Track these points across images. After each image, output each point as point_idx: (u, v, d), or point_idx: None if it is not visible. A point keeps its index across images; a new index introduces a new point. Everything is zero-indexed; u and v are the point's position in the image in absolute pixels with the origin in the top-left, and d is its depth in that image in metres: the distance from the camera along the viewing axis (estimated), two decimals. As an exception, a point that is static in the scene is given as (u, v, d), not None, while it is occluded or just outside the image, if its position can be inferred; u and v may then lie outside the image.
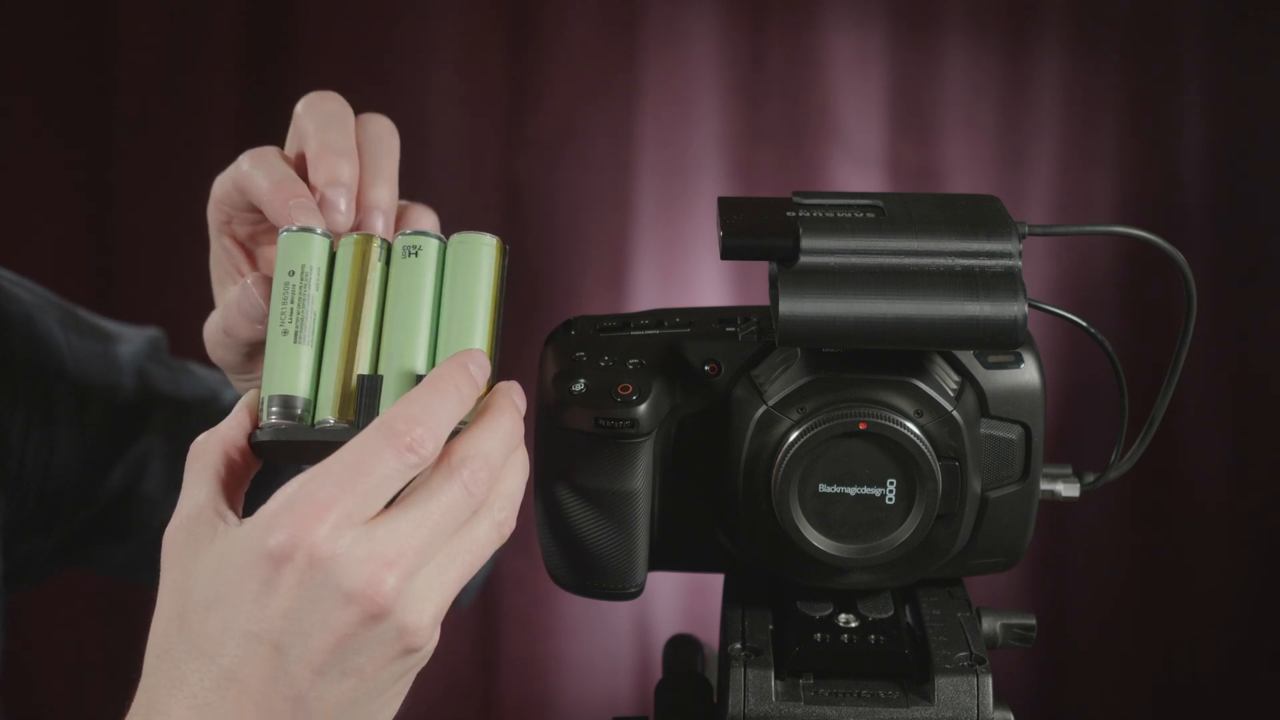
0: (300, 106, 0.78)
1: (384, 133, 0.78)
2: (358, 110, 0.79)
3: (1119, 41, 1.80)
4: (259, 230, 0.81)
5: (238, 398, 1.03)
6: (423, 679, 0.67)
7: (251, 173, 0.76)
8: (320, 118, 0.77)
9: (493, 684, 1.88)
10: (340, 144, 0.76)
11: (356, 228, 0.75)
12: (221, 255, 0.81)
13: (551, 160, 1.81)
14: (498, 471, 0.66)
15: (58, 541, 1.01)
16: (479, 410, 0.67)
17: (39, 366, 0.96)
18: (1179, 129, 1.80)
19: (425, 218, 0.80)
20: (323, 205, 0.74)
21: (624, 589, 0.77)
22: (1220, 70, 1.79)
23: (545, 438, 0.75)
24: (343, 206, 0.74)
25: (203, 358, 1.09)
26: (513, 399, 0.68)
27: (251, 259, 0.82)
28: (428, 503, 0.63)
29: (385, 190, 0.76)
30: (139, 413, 1.02)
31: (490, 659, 1.88)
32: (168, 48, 1.80)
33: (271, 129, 0.91)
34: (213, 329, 0.81)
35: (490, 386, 0.68)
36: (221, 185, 0.78)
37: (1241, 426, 1.84)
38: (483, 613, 1.87)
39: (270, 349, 0.70)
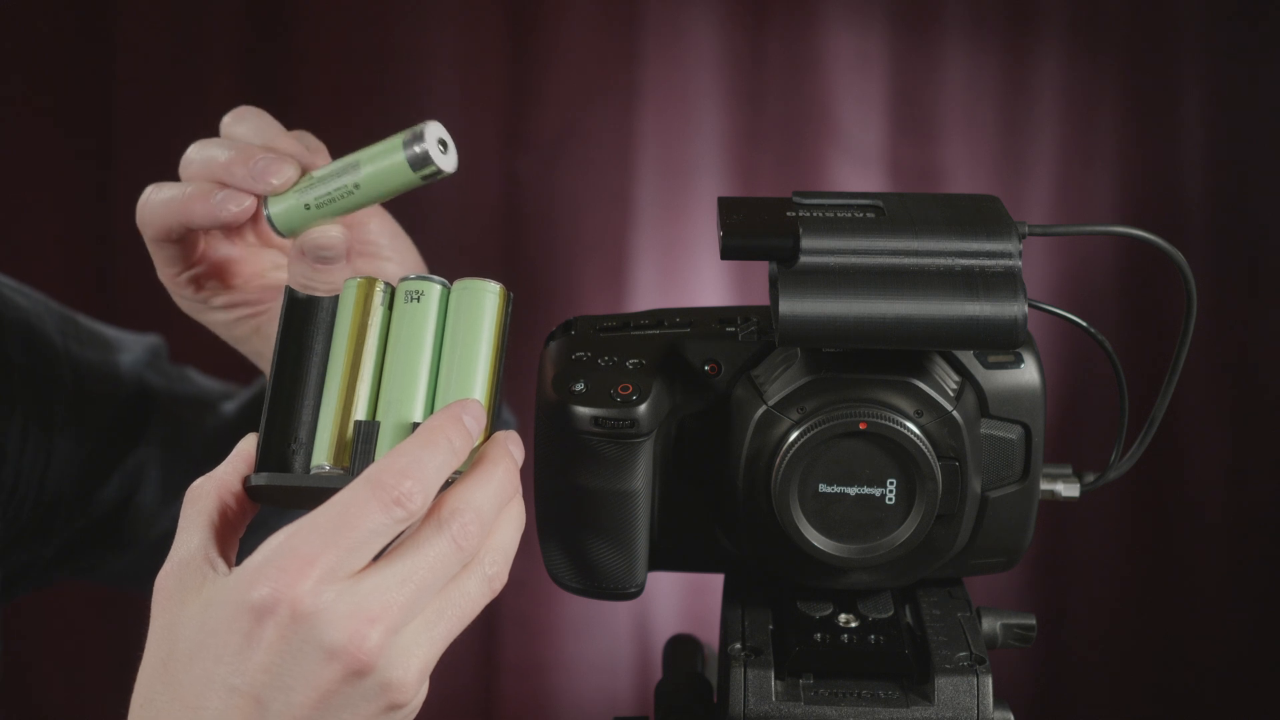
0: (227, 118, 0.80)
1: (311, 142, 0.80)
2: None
3: (1119, 41, 1.80)
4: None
5: (236, 408, 1.04)
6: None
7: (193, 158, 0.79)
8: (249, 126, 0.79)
9: (493, 685, 1.88)
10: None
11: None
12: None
13: (551, 160, 1.80)
14: (489, 524, 0.65)
15: (56, 549, 1.00)
16: (473, 461, 0.66)
17: (37, 374, 0.96)
18: (1179, 129, 1.80)
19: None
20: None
21: (624, 589, 0.77)
22: (1220, 70, 1.79)
23: (545, 438, 0.75)
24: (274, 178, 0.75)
25: (202, 363, 1.09)
26: (509, 450, 0.66)
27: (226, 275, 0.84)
28: (415, 557, 0.62)
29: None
30: (137, 423, 1.02)
31: (490, 660, 1.87)
32: (168, 51, 1.80)
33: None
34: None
35: (488, 435, 0.67)
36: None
37: (1241, 426, 1.83)
38: (482, 614, 1.86)
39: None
